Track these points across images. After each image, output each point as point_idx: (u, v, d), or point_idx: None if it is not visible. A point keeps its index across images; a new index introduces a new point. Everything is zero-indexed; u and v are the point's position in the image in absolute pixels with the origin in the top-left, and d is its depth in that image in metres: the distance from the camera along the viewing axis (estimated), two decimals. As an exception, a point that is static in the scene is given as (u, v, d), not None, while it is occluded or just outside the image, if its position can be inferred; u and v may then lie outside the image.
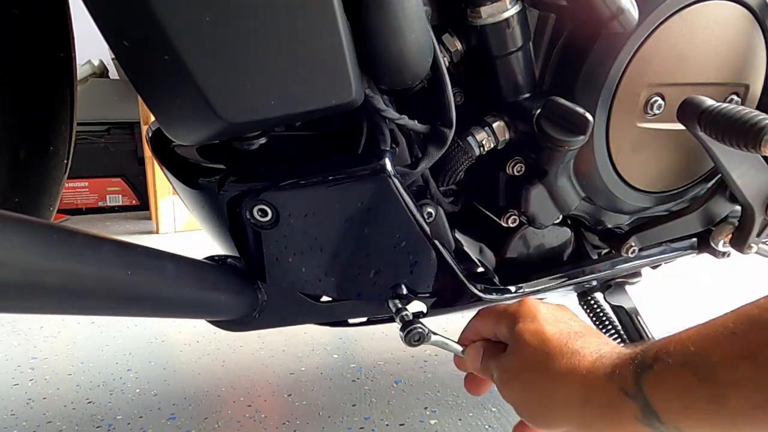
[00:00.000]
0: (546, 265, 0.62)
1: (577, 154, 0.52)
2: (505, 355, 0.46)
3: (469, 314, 0.55)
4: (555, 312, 0.46)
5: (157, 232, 2.00)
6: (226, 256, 0.54)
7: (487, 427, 0.77)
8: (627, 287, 0.70)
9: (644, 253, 0.64)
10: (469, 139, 0.52)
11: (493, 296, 0.57)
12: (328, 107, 0.42)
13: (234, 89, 0.39)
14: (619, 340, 0.67)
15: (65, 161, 0.54)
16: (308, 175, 0.48)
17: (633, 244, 0.61)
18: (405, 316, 0.52)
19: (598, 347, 0.41)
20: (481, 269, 0.64)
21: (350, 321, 0.60)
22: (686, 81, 0.53)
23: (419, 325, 0.50)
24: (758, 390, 0.30)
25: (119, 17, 0.37)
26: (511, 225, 0.58)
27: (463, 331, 0.53)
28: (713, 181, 0.61)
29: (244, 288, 0.52)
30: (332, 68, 0.40)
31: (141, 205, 2.41)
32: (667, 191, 0.60)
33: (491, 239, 0.62)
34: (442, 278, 0.54)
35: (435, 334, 0.51)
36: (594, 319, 0.69)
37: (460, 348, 0.52)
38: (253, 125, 0.43)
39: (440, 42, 0.51)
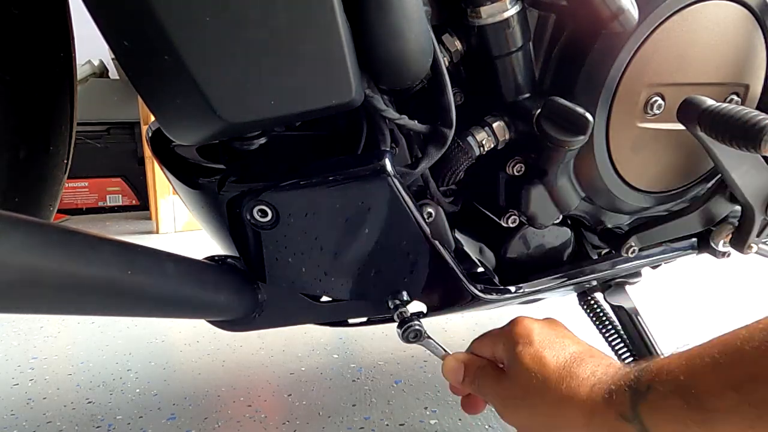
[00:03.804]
0: (546, 265, 0.62)
1: (577, 154, 0.52)
2: (506, 379, 0.48)
3: (469, 314, 0.55)
4: (549, 331, 0.49)
5: (157, 232, 2.00)
6: (226, 256, 0.54)
7: (487, 427, 0.77)
8: (627, 287, 0.70)
9: (644, 253, 0.64)
10: (469, 139, 0.52)
11: (493, 296, 0.57)
12: (327, 107, 0.42)
13: (234, 89, 0.39)
14: (618, 340, 0.67)
15: (65, 161, 0.54)
16: (308, 175, 0.48)
17: (633, 244, 0.61)
18: (403, 313, 0.52)
19: (594, 370, 0.44)
20: (480, 269, 0.64)
21: (350, 321, 0.60)
22: (686, 81, 0.53)
23: (416, 322, 0.51)
24: (743, 418, 0.33)
25: (119, 17, 0.37)
26: (511, 225, 0.58)
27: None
28: (713, 181, 0.61)
29: (244, 288, 0.52)
30: (332, 68, 0.40)
31: (141, 205, 2.41)
32: (667, 191, 0.60)
33: (491, 239, 0.62)
34: (441, 278, 0.54)
35: (429, 337, 0.53)
36: (594, 319, 0.69)
37: (443, 352, 0.53)
38: (253, 125, 0.43)
39: (440, 42, 0.50)
